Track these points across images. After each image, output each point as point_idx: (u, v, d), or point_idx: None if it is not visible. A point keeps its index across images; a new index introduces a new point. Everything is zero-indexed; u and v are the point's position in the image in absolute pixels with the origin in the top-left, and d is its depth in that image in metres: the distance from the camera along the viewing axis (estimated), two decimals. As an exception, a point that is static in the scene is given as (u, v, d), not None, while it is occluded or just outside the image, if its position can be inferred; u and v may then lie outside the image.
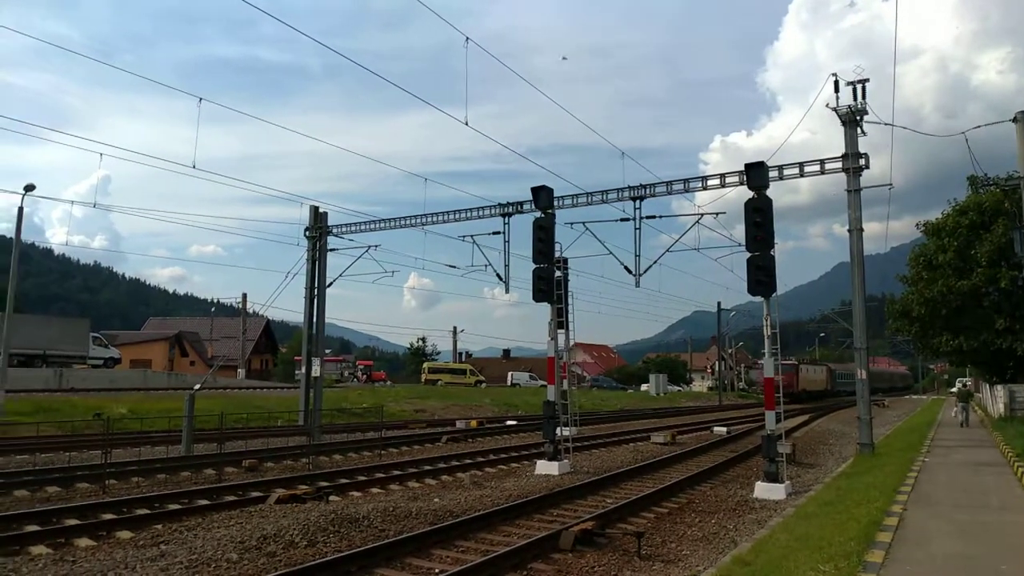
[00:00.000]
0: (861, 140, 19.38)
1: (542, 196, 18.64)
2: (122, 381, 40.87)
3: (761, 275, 14.83)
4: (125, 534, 10.50)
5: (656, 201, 20.82)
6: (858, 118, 19.33)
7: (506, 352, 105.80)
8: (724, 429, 28.92)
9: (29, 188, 25.77)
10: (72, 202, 65.13)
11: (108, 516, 11.56)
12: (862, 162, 19.07)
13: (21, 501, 12.99)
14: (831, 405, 56.33)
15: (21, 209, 26.19)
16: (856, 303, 20.11)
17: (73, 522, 11.04)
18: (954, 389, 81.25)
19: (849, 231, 19.57)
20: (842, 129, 19.52)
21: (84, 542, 10.05)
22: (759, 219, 15.04)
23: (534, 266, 17.99)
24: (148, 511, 11.97)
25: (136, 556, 8.97)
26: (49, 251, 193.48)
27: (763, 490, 14.10)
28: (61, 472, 15.36)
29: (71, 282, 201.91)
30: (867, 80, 19.46)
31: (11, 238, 29.92)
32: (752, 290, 15.03)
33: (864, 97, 19.40)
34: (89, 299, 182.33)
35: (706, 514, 12.40)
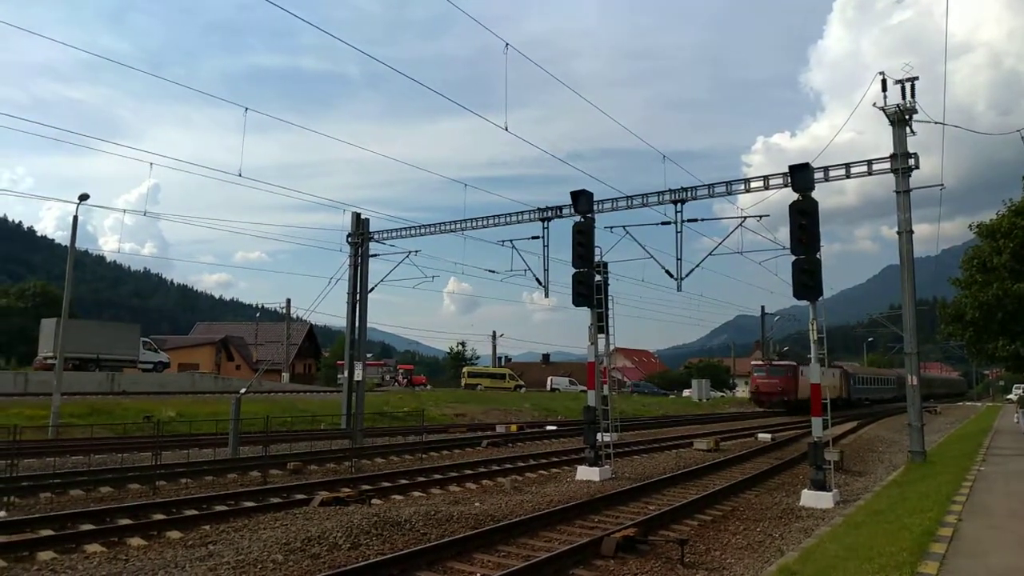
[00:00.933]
0: (910, 139, 18.94)
1: (582, 200, 18.56)
2: (171, 384, 41.76)
3: (807, 279, 14.55)
4: (175, 534, 10.71)
5: (698, 204, 20.60)
6: (907, 117, 18.87)
7: (545, 357, 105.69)
8: (769, 436, 28.42)
9: (83, 198, 26.48)
10: (124, 211, 66.96)
11: (159, 516, 11.82)
12: (911, 162, 18.61)
13: (76, 500, 13.37)
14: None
15: (76, 218, 26.91)
16: (906, 307, 19.60)
17: (126, 521, 11.32)
18: (1012, 396, 78.74)
19: (898, 233, 19.10)
20: (890, 129, 19.07)
21: (136, 541, 10.29)
22: (804, 222, 14.76)
23: (574, 270, 17.91)
24: (196, 512, 12.20)
25: (185, 556, 9.15)
26: (102, 258, 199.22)
27: (810, 498, 13.79)
28: (114, 473, 15.78)
29: (123, 288, 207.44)
30: (916, 78, 18.99)
31: (67, 246, 30.77)
32: (798, 294, 14.74)
33: (913, 95, 18.94)
34: (140, 304, 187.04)
35: (751, 522, 12.17)
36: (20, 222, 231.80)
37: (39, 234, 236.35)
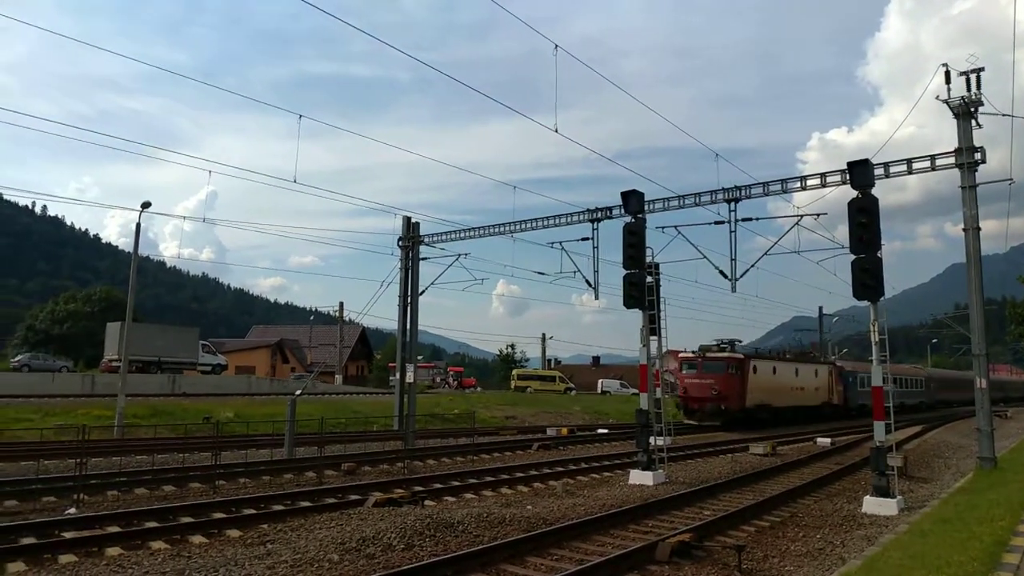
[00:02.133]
0: (976, 133, 18.26)
1: (632, 200, 18.37)
2: (228, 386, 42.73)
3: (867, 278, 14.12)
4: (234, 532, 10.93)
5: (752, 203, 20.22)
6: (972, 110, 18.20)
7: (595, 359, 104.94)
8: (828, 440, 27.72)
9: (145, 205, 27.29)
10: (183, 217, 68.67)
11: (219, 515, 12.08)
12: (977, 156, 17.95)
13: (141, 499, 13.74)
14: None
15: (139, 225, 27.75)
16: (973, 307, 18.89)
17: (188, 519, 11.59)
18: None
19: (964, 230, 18.43)
20: (954, 122, 18.42)
21: (198, 539, 10.53)
22: (864, 219, 14.32)
23: (624, 272, 17.72)
24: (255, 511, 12.44)
25: (245, 554, 9.31)
26: (162, 264, 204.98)
27: (872, 505, 13.37)
28: (176, 472, 16.20)
29: (182, 293, 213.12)
30: (982, 69, 18.30)
31: (130, 252, 31.74)
32: (858, 294, 14.31)
33: (979, 87, 18.26)
34: (198, 308, 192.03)
35: (810, 529, 11.85)
36: (87, 230, 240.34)
37: (104, 241, 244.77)
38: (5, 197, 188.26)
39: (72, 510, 11.91)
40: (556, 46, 18.49)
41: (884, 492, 13.46)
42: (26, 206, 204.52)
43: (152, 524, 11.24)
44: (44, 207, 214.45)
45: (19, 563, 9.05)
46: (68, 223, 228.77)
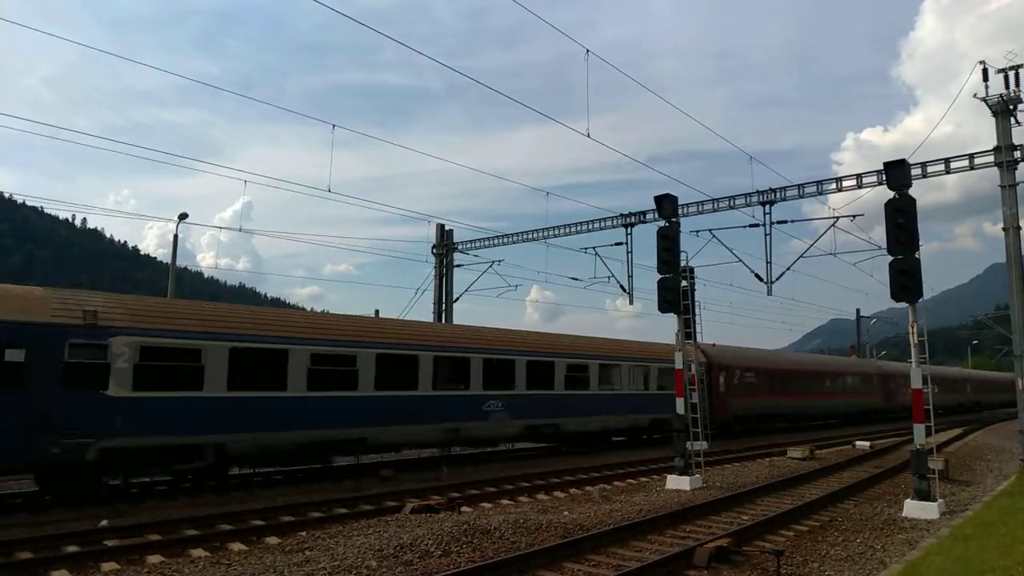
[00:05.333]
0: (1016, 130, 17.99)
1: (666, 204, 18.32)
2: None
3: (905, 279, 13.95)
4: (273, 540, 11.09)
5: (787, 205, 20.15)
6: (1011, 107, 17.94)
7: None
8: (867, 443, 27.32)
9: (183, 216, 27.91)
10: (220, 228, 69.70)
11: (257, 522, 12.28)
12: (1017, 154, 17.69)
13: (181, 507, 14.00)
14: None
15: (176, 236, 28.37)
16: (1015, 306, 18.56)
17: (226, 527, 11.80)
18: None
19: (1004, 229, 18.14)
20: (992, 120, 18.15)
21: (237, 546, 10.71)
22: (901, 220, 14.16)
23: (659, 276, 17.69)
24: (293, 518, 12.63)
25: (284, 561, 9.45)
26: (200, 274, 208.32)
27: (913, 508, 13.19)
28: (215, 480, 16.47)
29: (220, 303, 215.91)
30: (1021, 66, 18.02)
31: (167, 263, 32.41)
32: (896, 295, 14.15)
33: (1017, 84, 18.00)
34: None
35: (850, 533, 11.73)
36: (125, 241, 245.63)
37: (142, 252, 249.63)
38: (46, 210, 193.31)
39: (104, 522, 12.17)
40: (587, 51, 18.61)
41: (925, 495, 13.27)
42: (66, 219, 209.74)
43: (192, 532, 11.50)
44: (84, 220, 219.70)
45: (63, 571, 9.32)
46: (107, 235, 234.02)
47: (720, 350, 33.00)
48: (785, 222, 19.98)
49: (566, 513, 13.15)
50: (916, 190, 14.63)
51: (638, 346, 28.31)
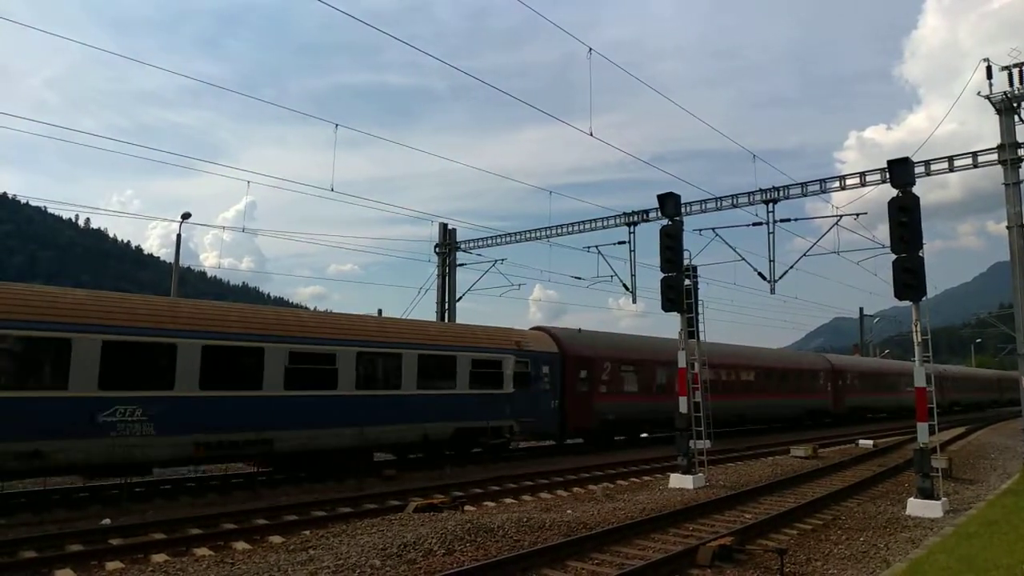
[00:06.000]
0: (1020, 128, 17.95)
1: (669, 203, 18.31)
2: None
3: (908, 278, 13.92)
4: (277, 539, 11.12)
5: (790, 204, 20.18)
6: (1015, 105, 17.90)
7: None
8: (870, 442, 27.30)
9: (186, 216, 27.95)
10: (223, 228, 69.65)
11: (261, 521, 12.31)
12: (1021, 152, 17.64)
13: (185, 507, 14.04)
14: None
15: (179, 236, 28.41)
16: (1018, 305, 18.53)
17: (231, 526, 11.83)
18: None
19: (1008, 228, 18.11)
20: (996, 118, 18.11)
21: (241, 545, 10.75)
22: (905, 219, 14.13)
23: (662, 275, 17.68)
24: (297, 517, 12.65)
25: (288, 560, 9.46)
26: (203, 274, 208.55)
27: (917, 507, 13.17)
28: (219, 480, 16.51)
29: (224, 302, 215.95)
30: (1024, 63, 18.00)
31: (171, 263, 32.47)
32: (899, 294, 14.13)
33: (1021, 82, 17.96)
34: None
35: (854, 531, 11.72)
36: (128, 241, 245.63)
37: (146, 252, 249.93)
38: (49, 211, 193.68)
39: (106, 520, 12.20)
40: (590, 50, 18.60)
41: (928, 494, 13.26)
42: (70, 219, 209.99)
43: (196, 531, 11.53)
44: (87, 220, 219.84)
45: (67, 570, 9.35)
46: (111, 235, 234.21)
47: (580, 337, 26.28)
48: (788, 221, 20.01)
49: (569, 512, 13.15)
50: (919, 188, 14.62)
51: (436, 329, 22.35)
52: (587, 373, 25.06)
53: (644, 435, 29.29)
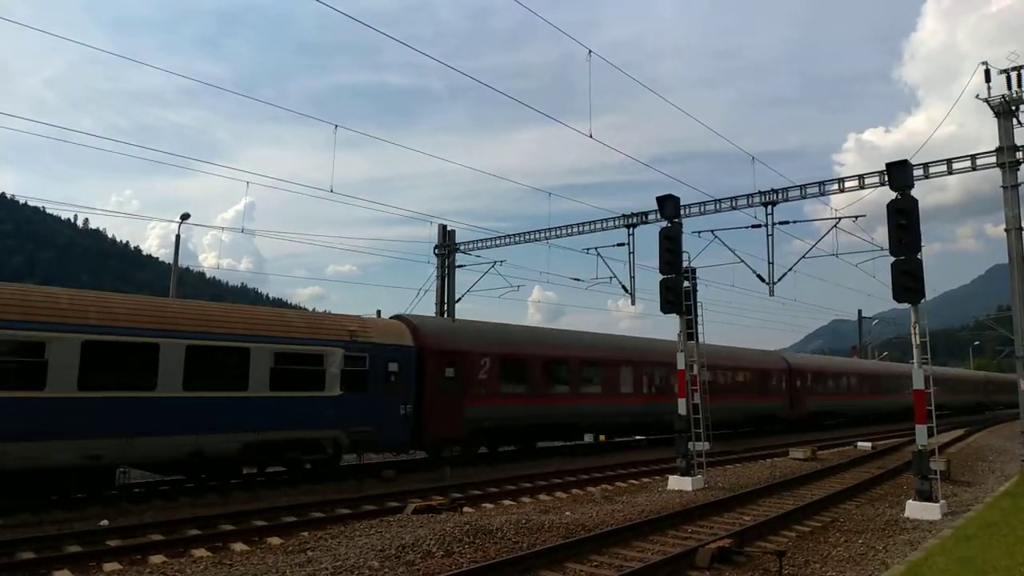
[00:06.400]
0: (1018, 131, 18.01)
1: (668, 205, 18.32)
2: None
3: (907, 280, 13.94)
4: (275, 540, 11.11)
5: (789, 206, 20.19)
6: (1014, 108, 17.95)
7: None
8: (868, 444, 27.32)
9: (185, 217, 27.95)
10: (222, 228, 69.77)
11: (259, 522, 12.31)
12: (1020, 155, 17.67)
13: (184, 507, 14.03)
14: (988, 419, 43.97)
15: (178, 236, 28.42)
16: (1016, 308, 18.55)
17: (229, 527, 11.83)
18: None
19: (1006, 231, 18.14)
20: (995, 121, 18.15)
21: (239, 546, 10.74)
22: (904, 221, 14.15)
23: (661, 277, 17.70)
24: (295, 518, 12.64)
25: (286, 561, 9.46)
26: (202, 274, 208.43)
27: (915, 509, 13.18)
28: (218, 481, 16.48)
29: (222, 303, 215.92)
30: (1023, 66, 18.02)
31: (169, 263, 32.47)
32: (898, 296, 14.14)
33: (1020, 85, 18.01)
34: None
35: (852, 534, 11.73)
36: (127, 242, 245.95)
37: (144, 253, 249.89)
38: (48, 211, 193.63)
39: (104, 522, 12.18)
40: (590, 51, 18.62)
41: (927, 496, 13.27)
42: (68, 219, 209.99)
43: (194, 532, 11.52)
44: (86, 220, 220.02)
45: (65, 571, 9.34)
46: (109, 235, 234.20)
47: (450, 328, 22.75)
48: (787, 223, 20.05)
49: (568, 513, 13.15)
50: (918, 191, 14.64)
51: (219, 313, 16.68)
52: (456, 371, 20.51)
53: (545, 444, 25.17)
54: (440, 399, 19.76)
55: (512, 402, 22.13)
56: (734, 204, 20.68)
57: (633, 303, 24.91)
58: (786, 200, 19.75)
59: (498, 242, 28.81)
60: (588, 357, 25.19)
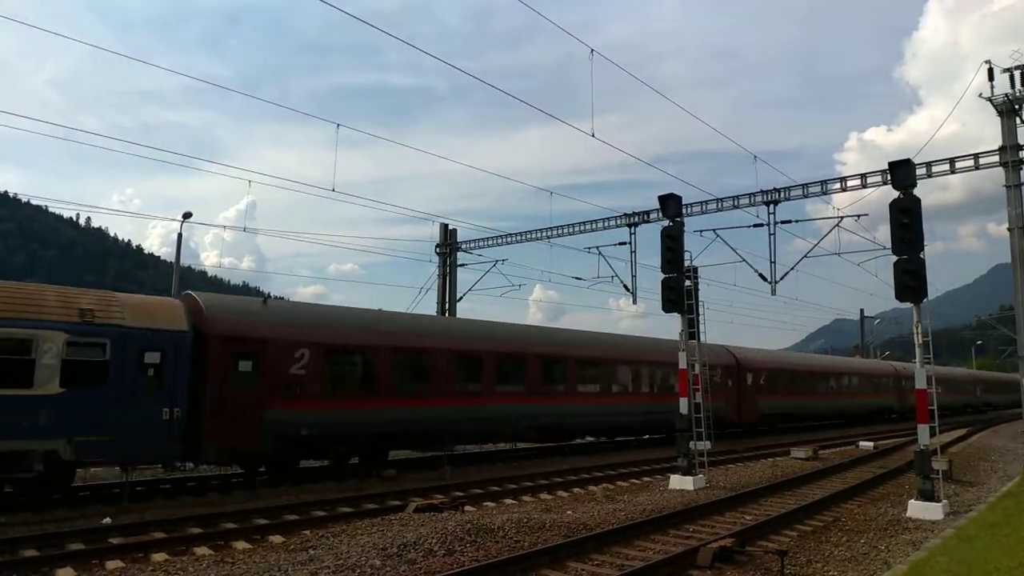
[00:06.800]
0: (1021, 130, 17.96)
1: (670, 204, 18.31)
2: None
3: (910, 279, 13.91)
4: (277, 538, 11.12)
5: (791, 205, 20.18)
6: (1016, 107, 17.91)
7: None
8: (871, 444, 27.29)
9: (187, 216, 27.96)
10: (224, 227, 69.73)
11: (261, 521, 12.32)
12: (1022, 154, 17.63)
13: (186, 506, 14.04)
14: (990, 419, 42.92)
15: (180, 235, 28.43)
16: (1019, 307, 18.53)
17: (231, 525, 11.84)
18: None
19: (1009, 230, 18.12)
20: (998, 120, 18.12)
21: (241, 545, 10.75)
22: (906, 220, 14.12)
23: (663, 276, 17.68)
24: (297, 517, 12.66)
25: (288, 560, 9.47)
26: (204, 273, 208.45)
27: (917, 509, 13.16)
28: (219, 480, 16.51)
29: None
30: (1026, 65, 18.01)
31: (172, 262, 32.48)
32: (900, 296, 14.12)
33: (1023, 84, 17.95)
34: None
35: (854, 533, 11.71)
36: (129, 240, 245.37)
37: (146, 251, 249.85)
38: (50, 210, 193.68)
39: (107, 520, 12.20)
40: (592, 51, 18.61)
41: (929, 496, 13.25)
42: (70, 218, 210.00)
43: (196, 530, 11.55)
44: (88, 219, 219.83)
45: (68, 569, 9.36)
46: (111, 234, 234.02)
47: (252, 308, 17.40)
48: (789, 222, 20.03)
49: (569, 512, 13.15)
50: (920, 190, 14.62)
51: None
52: (255, 364, 16.08)
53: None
54: (230, 400, 15.45)
55: (346, 405, 17.66)
56: (736, 203, 20.67)
57: (635, 302, 24.90)
58: (788, 199, 19.75)
59: (500, 241, 28.82)
60: (461, 349, 20.51)
